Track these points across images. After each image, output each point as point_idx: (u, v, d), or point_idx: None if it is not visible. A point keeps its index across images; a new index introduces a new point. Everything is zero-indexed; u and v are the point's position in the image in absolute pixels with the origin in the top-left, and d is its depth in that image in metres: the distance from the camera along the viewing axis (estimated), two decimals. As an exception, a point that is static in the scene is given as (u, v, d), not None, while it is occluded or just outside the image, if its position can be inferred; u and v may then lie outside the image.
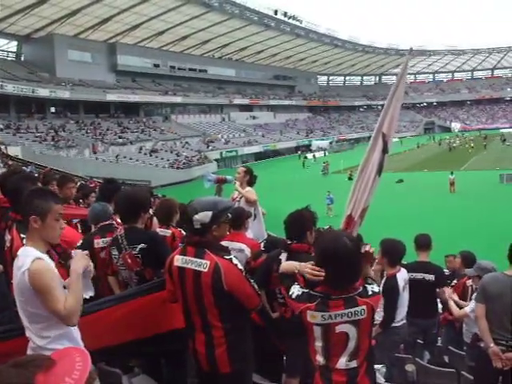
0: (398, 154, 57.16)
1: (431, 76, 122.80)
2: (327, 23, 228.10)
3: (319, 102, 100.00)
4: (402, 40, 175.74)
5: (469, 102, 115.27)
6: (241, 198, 5.63)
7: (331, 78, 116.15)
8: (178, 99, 68.01)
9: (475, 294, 4.50)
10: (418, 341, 5.92)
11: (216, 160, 57.13)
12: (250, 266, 4.18)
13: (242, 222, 4.60)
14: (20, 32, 55.26)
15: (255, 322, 3.48)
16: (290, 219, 3.62)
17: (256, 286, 2.99)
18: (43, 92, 49.45)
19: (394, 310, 5.01)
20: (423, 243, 5.75)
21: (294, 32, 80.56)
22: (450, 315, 5.56)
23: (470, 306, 4.78)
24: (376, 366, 4.21)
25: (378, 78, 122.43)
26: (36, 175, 9.57)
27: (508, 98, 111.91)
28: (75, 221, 5.45)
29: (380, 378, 4.34)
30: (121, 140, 52.57)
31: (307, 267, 2.77)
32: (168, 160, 51.00)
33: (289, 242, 3.55)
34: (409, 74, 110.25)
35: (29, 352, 2.53)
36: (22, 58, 58.25)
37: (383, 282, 5.13)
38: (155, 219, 4.83)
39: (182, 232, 4.65)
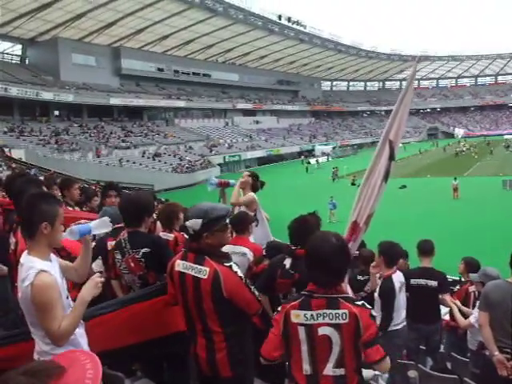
0: (402, 159, 57.17)
1: (435, 82, 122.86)
2: (331, 28, 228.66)
3: (322, 107, 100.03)
4: (405, 46, 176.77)
5: (472, 108, 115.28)
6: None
7: (335, 83, 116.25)
8: (182, 103, 68.16)
9: (478, 302, 4.49)
10: (421, 347, 5.91)
11: (219, 164, 57.15)
12: (252, 271, 4.19)
13: (245, 227, 4.60)
14: (25, 35, 55.56)
15: (257, 327, 3.48)
16: (294, 225, 3.62)
17: (256, 292, 2.99)
18: (47, 95, 49.66)
19: (392, 310, 5.03)
20: (426, 249, 5.74)
21: (297, 37, 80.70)
22: (453, 321, 5.55)
23: (474, 316, 4.76)
24: (378, 372, 4.20)
25: (381, 84, 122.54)
26: (41, 178, 9.60)
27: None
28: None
29: (383, 384, 4.33)
30: (124, 144, 52.65)
31: None
32: (171, 164, 51.06)
33: (293, 248, 3.55)
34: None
35: (35, 356, 2.53)
36: (27, 62, 58.51)
37: (380, 283, 5.16)
38: (158, 223, 4.84)
39: (185, 236, 4.65)
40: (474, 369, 4.88)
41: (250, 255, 4.45)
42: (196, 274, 2.92)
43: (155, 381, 3.73)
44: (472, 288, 5.90)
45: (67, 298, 2.54)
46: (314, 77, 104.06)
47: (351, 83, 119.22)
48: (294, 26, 78.16)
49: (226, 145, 65.94)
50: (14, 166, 30.81)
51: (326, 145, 79.98)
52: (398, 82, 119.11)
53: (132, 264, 3.57)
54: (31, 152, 40.47)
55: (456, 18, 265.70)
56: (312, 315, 2.50)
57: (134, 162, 48.34)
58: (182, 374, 3.74)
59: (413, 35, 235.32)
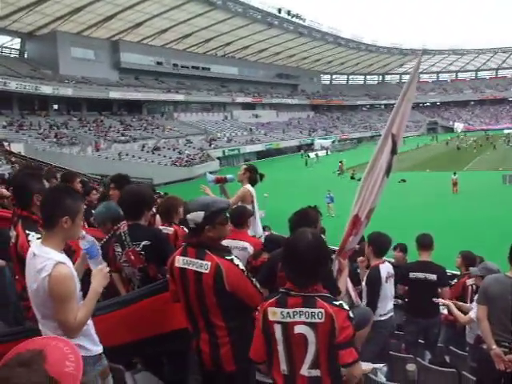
0: (401, 153, 57.01)
1: (435, 76, 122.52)
2: (330, 22, 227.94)
3: (322, 101, 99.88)
4: (405, 39, 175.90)
5: (472, 103, 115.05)
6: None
7: (334, 76, 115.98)
8: (181, 97, 68.03)
9: (477, 296, 4.51)
10: (420, 340, 5.94)
11: (218, 158, 57.06)
12: (251, 265, 4.20)
13: (244, 221, 4.61)
14: (23, 29, 55.38)
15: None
16: (295, 218, 3.62)
17: (258, 285, 2.99)
18: (46, 89, 49.60)
19: (377, 299, 5.05)
20: (425, 243, 5.76)
21: (297, 30, 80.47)
22: (451, 315, 5.58)
23: (474, 311, 4.78)
24: (377, 365, 4.22)
25: (381, 78, 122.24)
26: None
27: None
28: None
29: (381, 378, 4.35)
30: (123, 137, 52.61)
31: None
32: (170, 158, 51.03)
33: None
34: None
35: None
36: (26, 56, 58.37)
37: (367, 272, 5.19)
38: (158, 217, 4.85)
39: (185, 230, 4.67)
40: (472, 362, 4.91)
41: (251, 249, 4.47)
42: (197, 269, 2.91)
43: (155, 374, 3.75)
44: (469, 281, 5.93)
45: (80, 290, 2.55)
46: (313, 70, 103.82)
47: (351, 77, 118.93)
48: (294, 19, 77.90)
49: (225, 138, 65.89)
50: (13, 160, 30.76)
51: (325, 139, 79.94)
52: (398, 76, 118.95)
53: (132, 257, 3.58)
54: (30, 146, 40.48)
55: (457, 11, 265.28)
56: (288, 313, 2.48)
57: (133, 156, 48.31)
58: (182, 369, 3.77)
59: (413, 29, 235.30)
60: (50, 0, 49.74)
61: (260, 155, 66.89)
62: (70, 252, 3.05)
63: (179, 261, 3.02)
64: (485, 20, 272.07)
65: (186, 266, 2.97)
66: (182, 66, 72.52)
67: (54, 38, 55.27)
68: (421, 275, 5.61)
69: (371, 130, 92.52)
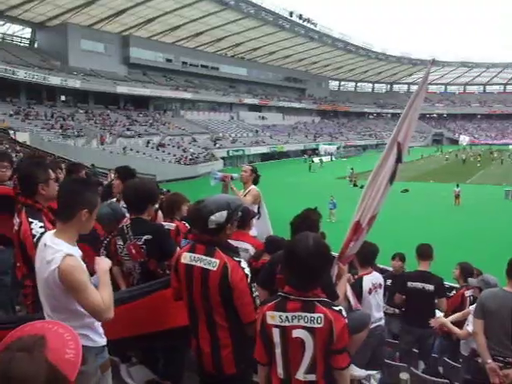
0: (404, 163, 56.94)
1: (443, 87, 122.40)
2: (341, 28, 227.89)
3: (329, 107, 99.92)
4: (414, 49, 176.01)
5: (479, 116, 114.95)
6: (245, 195, 5.68)
7: (342, 83, 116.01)
8: (189, 95, 68.08)
9: (473, 308, 4.51)
10: (414, 350, 5.94)
11: (222, 158, 57.16)
12: (252, 266, 4.21)
13: (246, 222, 4.62)
14: (35, 19, 55.54)
15: None
16: (296, 221, 3.64)
17: (257, 302, 2.88)
18: (54, 80, 49.76)
19: None
20: (424, 253, 5.76)
21: (307, 35, 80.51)
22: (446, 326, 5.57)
23: (470, 325, 4.77)
24: (371, 372, 4.22)
25: (389, 87, 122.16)
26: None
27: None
28: None
29: (374, 385, 4.34)
30: (129, 132, 52.68)
31: None
32: (174, 155, 51.08)
33: None
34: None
35: None
36: (36, 46, 58.60)
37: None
38: (160, 212, 4.87)
39: (187, 225, 4.69)
40: (466, 374, 4.90)
41: (252, 251, 4.47)
42: (205, 266, 2.89)
43: (150, 368, 3.76)
44: (468, 292, 5.93)
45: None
46: (321, 75, 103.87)
47: (359, 84, 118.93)
48: (305, 23, 77.94)
49: (231, 139, 65.92)
50: (18, 148, 30.83)
51: (330, 144, 79.84)
52: (406, 86, 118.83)
53: (133, 250, 3.59)
54: (36, 136, 40.51)
55: (467, 25, 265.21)
56: (287, 317, 2.48)
57: (137, 151, 48.36)
58: (177, 363, 3.78)
59: (423, 39, 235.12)
60: (63, -8, 49.89)
61: (264, 157, 66.93)
62: None
63: (186, 257, 2.99)
64: (495, 34, 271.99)
65: (194, 263, 2.94)
66: (191, 65, 72.64)
67: (64, 30, 55.41)
68: (419, 285, 5.62)
69: (376, 139, 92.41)
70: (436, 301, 5.69)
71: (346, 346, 2.50)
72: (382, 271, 6.78)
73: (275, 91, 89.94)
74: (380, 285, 5.17)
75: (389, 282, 6.62)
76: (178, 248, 3.74)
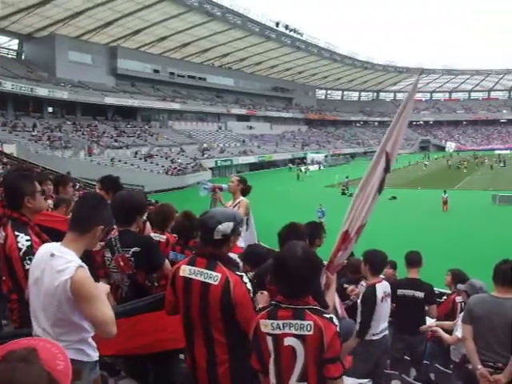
0: (393, 170, 57.20)
1: (428, 95, 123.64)
2: (327, 38, 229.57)
3: (316, 116, 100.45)
4: (400, 57, 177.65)
5: (465, 122, 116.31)
6: (234, 206, 5.68)
7: (329, 92, 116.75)
8: (176, 106, 68.11)
9: (462, 314, 4.52)
10: (405, 357, 5.93)
11: (211, 168, 57.18)
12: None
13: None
14: (22, 30, 55.34)
15: None
16: (284, 231, 3.64)
17: (257, 308, 2.87)
18: (42, 91, 49.56)
19: (370, 319, 4.97)
20: (413, 260, 5.77)
21: (294, 45, 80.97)
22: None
23: (459, 330, 4.78)
24: (361, 381, 4.21)
25: (375, 95, 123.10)
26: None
27: (504, 120, 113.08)
28: None
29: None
30: (117, 143, 52.54)
31: None
32: (163, 166, 51.01)
33: None
34: (406, 92, 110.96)
35: None
36: (23, 57, 58.36)
37: (363, 291, 5.15)
38: (148, 224, 4.83)
39: (175, 237, 4.65)
40: (457, 381, 4.91)
41: (238, 260, 4.46)
42: (206, 280, 2.84)
43: (139, 381, 3.72)
44: (459, 298, 5.95)
45: None
46: (308, 85, 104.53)
47: (345, 93, 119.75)
48: (291, 33, 78.38)
49: (219, 149, 65.95)
50: (5, 160, 30.60)
51: (318, 153, 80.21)
52: (392, 94, 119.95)
53: (121, 263, 3.56)
54: (23, 147, 40.26)
55: (451, 33, 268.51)
56: (278, 325, 2.49)
57: (125, 162, 48.25)
58: (167, 376, 3.74)
59: (408, 47, 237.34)
60: (50, 3, 49.80)
61: (252, 167, 67.03)
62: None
63: (185, 270, 2.94)
64: (478, 42, 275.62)
65: (193, 277, 2.89)
66: (179, 75, 72.80)
67: (52, 41, 55.34)
68: (409, 292, 5.62)
69: (364, 146, 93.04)
70: (426, 308, 5.71)
71: (337, 354, 2.50)
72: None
73: (262, 101, 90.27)
74: (389, 293, 5.21)
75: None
76: (166, 260, 3.72)
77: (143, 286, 3.59)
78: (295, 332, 2.47)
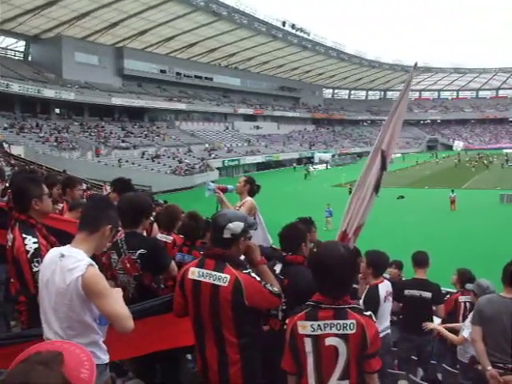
0: (400, 169, 57.23)
1: (436, 93, 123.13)
2: (334, 37, 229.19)
3: (323, 115, 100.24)
4: (408, 57, 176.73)
5: (473, 121, 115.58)
6: (240, 206, 5.68)
7: (336, 91, 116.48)
8: (183, 106, 68.14)
9: (471, 316, 4.50)
10: (412, 357, 5.92)
11: (218, 168, 57.22)
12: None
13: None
14: (28, 32, 55.58)
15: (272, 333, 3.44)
16: (284, 232, 3.66)
17: (273, 289, 2.90)
18: (48, 93, 49.72)
19: None
20: (421, 260, 5.76)
21: (301, 44, 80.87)
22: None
23: (466, 330, 4.77)
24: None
25: (382, 94, 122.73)
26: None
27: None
28: None
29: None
30: (124, 144, 52.66)
31: None
32: (170, 166, 51.07)
33: (284, 254, 3.57)
34: (414, 90, 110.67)
35: None
36: (29, 58, 58.59)
37: (365, 291, 5.15)
38: (155, 225, 4.84)
39: (181, 238, 4.66)
40: (464, 381, 4.89)
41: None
42: (215, 282, 2.84)
43: (147, 382, 3.73)
44: (462, 298, 5.92)
45: None
46: (315, 84, 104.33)
47: (353, 92, 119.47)
48: (298, 32, 78.34)
49: (226, 149, 65.99)
50: (12, 162, 30.78)
51: (325, 152, 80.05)
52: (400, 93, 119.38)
53: (128, 264, 3.57)
54: (30, 149, 40.44)
55: (459, 31, 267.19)
56: (319, 325, 2.49)
57: (133, 163, 48.33)
58: (175, 376, 3.75)
59: (416, 46, 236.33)
60: (57, 4, 49.99)
61: (259, 167, 66.97)
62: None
63: (194, 273, 2.94)
64: (486, 40, 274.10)
65: (202, 279, 2.90)
66: (185, 75, 72.84)
67: (58, 42, 55.56)
68: (416, 293, 5.61)
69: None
70: (434, 308, 5.69)
71: (378, 349, 2.54)
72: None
73: (269, 100, 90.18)
74: (391, 293, 5.24)
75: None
76: (173, 261, 3.72)
77: (149, 288, 3.59)
78: (337, 332, 2.48)
